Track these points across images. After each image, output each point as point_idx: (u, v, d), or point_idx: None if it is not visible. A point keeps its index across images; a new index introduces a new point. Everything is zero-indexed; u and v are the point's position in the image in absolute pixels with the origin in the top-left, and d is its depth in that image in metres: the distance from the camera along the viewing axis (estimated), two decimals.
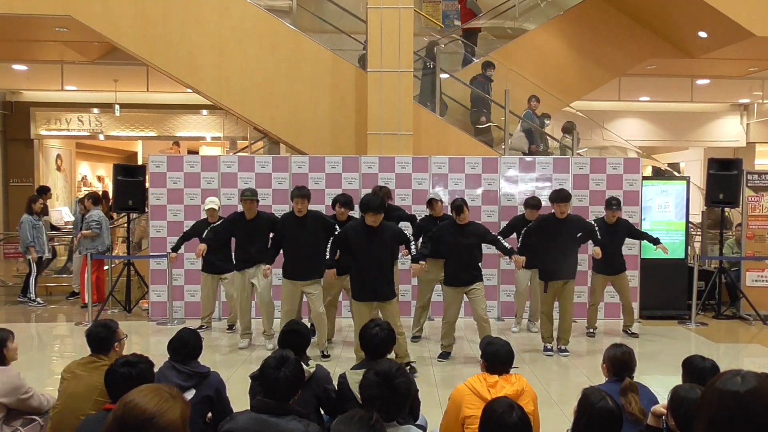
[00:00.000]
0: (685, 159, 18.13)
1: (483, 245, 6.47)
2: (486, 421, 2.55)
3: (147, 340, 7.54)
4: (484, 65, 10.04)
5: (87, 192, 11.80)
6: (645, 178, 8.87)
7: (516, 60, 10.41)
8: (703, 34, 10.57)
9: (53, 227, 11.73)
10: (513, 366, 3.53)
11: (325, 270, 6.15)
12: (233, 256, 7.07)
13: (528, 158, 8.84)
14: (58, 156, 16.13)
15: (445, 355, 6.56)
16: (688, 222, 8.74)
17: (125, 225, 9.62)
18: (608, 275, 7.44)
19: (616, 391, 3.06)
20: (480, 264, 6.44)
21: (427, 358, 6.59)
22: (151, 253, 8.41)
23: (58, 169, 16.14)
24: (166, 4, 8.92)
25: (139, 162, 16.94)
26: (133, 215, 9.29)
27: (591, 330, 7.61)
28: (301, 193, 6.40)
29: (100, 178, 18.87)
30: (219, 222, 7.19)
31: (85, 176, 18.02)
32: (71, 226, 10.90)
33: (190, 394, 3.44)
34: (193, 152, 16.28)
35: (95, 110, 14.78)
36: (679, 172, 16.57)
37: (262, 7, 9.19)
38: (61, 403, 3.48)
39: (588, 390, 2.76)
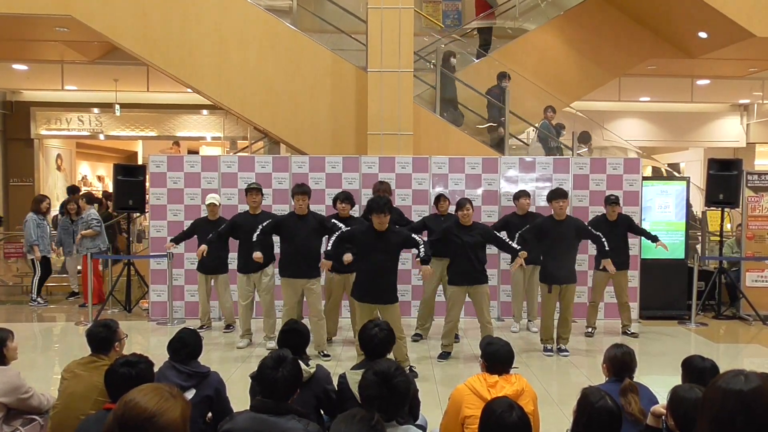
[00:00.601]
0: (685, 159, 18.10)
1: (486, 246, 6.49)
2: (485, 421, 2.55)
3: (147, 340, 7.54)
4: (500, 76, 10.01)
5: (83, 192, 11.74)
6: (645, 178, 8.88)
7: (516, 60, 10.42)
8: (703, 35, 10.56)
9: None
10: (513, 366, 3.53)
11: (323, 259, 6.12)
12: (237, 256, 7.05)
13: (528, 158, 8.84)
14: (58, 156, 16.12)
15: (445, 355, 6.56)
16: (688, 222, 8.74)
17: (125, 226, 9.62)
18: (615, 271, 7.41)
19: (615, 391, 3.06)
20: (485, 265, 6.45)
21: (427, 358, 6.59)
22: (151, 253, 8.42)
23: (59, 168, 16.13)
24: (166, 4, 8.92)
25: (140, 162, 16.94)
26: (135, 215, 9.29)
27: (590, 329, 7.61)
28: (301, 190, 6.41)
29: (100, 178, 18.86)
30: (222, 226, 7.15)
31: (85, 176, 18.01)
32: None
33: (190, 394, 3.44)
34: (193, 152, 16.27)
35: (95, 110, 14.76)
36: (679, 172, 16.57)
37: (262, 7, 9.19)
38: (61, 402, 3.48)
39: (587, 390, 2.76)
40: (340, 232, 6.04)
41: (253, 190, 6.80)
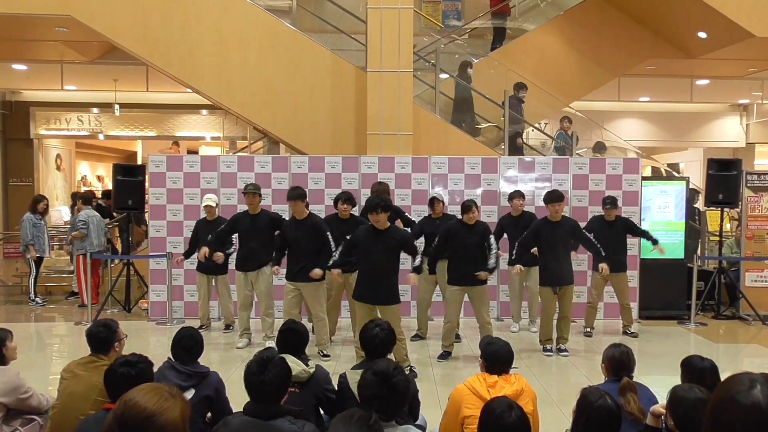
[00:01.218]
0: (684, 159, 18.12)
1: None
2: (485, 421, 2.54)
3: (146, 340, 7.53)
4: (516, 87, 10.00)
5: (85, 191, 11.75)
6: (644, 178, 8.88)
7: (516, 60, 10.43)
8: (703, 35, 10.57)
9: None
10: (512, 366, 3.53)
11: (331, 269, 6.14)
12: (235, 255, 7.06)
13: (527, 158, 8.84)
14: (58, 156, 16.13)
15: (445, 355, 6.56)
16: (687, 222, 8.74)
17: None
18: (608, 273, 7.42)
19: (615, 391, 3.05)
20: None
21: (427, 358, 6.59)
22: (151, 253, 8.42)
23: (58, 168, 16.13)
24: (166, 4, 8.91)
25: (139, 162, 16.94)
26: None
27: (588, 330, 7.61)
28: (293, 194, 6.41)
29: (99, 178, 18.87)
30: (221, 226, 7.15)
31: (85, 176, 18.02)
32: (69, 226, 10.86)
33: (189, 394, 3.43)
34: (192, 152, 16.27)
35: (95, 110, 14.77)
36: (678, 172, 16.57)
37: (262, 7, 9.19)
38: (61, 402, 3.48)
39: (587, 389, 2.76)
40: (346, 241, 6.07)
41: (250, 194, 6.74)
